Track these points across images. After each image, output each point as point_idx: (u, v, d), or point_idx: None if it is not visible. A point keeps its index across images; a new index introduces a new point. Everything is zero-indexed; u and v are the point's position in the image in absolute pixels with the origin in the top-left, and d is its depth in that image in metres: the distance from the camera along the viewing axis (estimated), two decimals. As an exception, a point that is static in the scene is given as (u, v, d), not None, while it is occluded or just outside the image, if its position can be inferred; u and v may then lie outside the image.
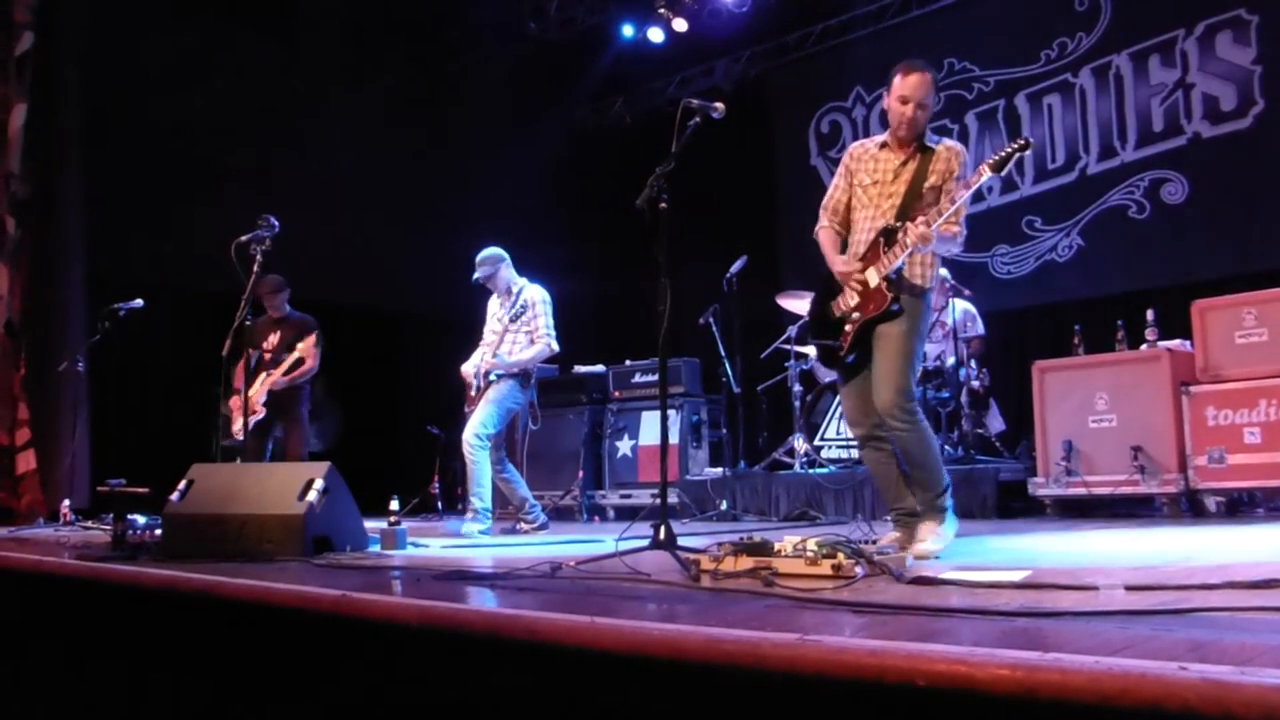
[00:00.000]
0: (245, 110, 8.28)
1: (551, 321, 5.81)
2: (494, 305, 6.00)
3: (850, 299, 3.50)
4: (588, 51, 10.33)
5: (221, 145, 8.11)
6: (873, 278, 3.43)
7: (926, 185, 3.42)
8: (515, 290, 5.86)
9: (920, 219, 3.30)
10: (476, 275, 5.87)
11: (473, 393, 5.78)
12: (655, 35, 9.56)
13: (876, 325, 3.43)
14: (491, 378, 5.69)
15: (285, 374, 6.35)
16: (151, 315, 6.87)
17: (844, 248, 3.64)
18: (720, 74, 9.94)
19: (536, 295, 5.84)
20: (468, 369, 5.87)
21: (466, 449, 5.53)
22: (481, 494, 5.51)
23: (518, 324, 5.76)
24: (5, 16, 7.51)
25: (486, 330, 5.98)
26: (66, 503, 6.53)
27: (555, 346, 5.79)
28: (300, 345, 6.29)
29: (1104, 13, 7.75)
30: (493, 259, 5.87)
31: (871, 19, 9.00)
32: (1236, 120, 7.13)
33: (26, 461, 7.28)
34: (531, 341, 5.75)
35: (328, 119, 8.76)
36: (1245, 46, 7.09)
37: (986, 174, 3.28)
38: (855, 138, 9.09)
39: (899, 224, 3.39)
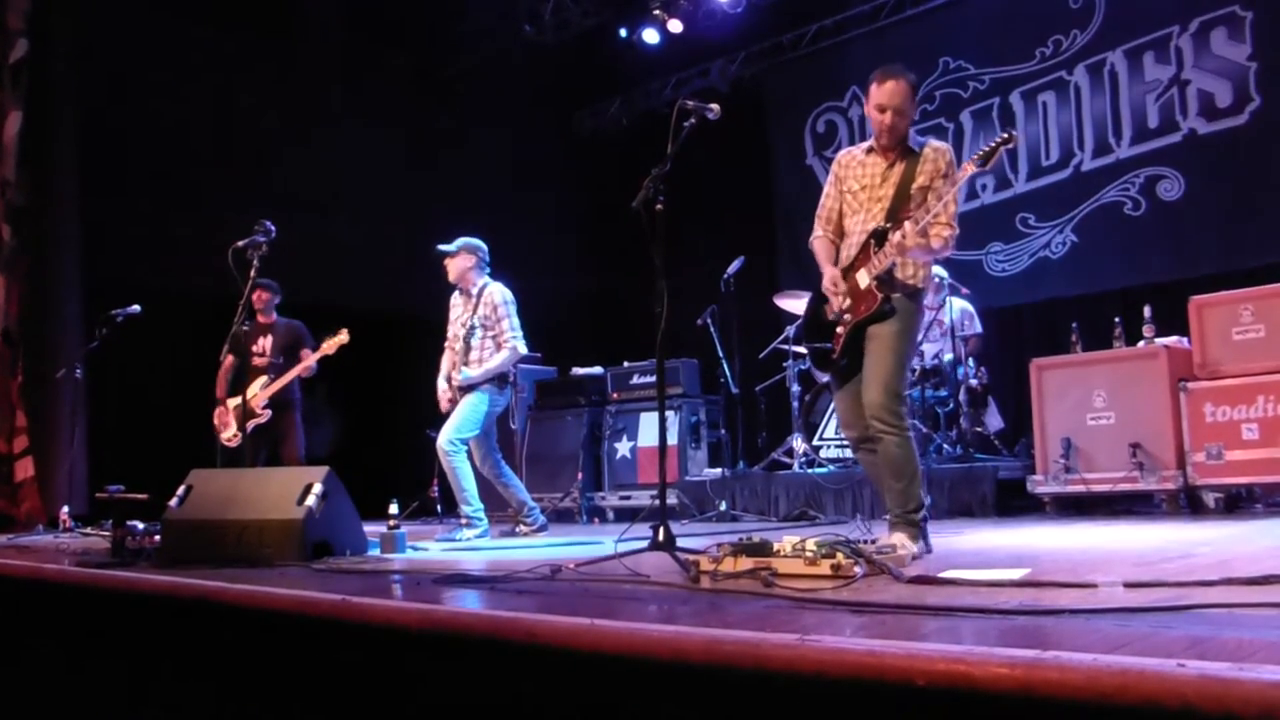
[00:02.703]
0: (242, 114, 8.28)
1: (517, 321, 5.51)
2: (456, 307, 5.69)
3: (843, 301, 3.51)
4: (584, 54, 10.34)
5: (218, 149, 8.11)
6: (863, 279, 3.44)
7: (915, 186, 3.43)
8: (475, 291, 5.55)
9: (907, 221, 3.30)
10: (448, 259, 5.58)
11: (445, 404, 5.56)
12: (650, 37, 9.56)
13: (868, 326, 3.43)
14: (461, 385, 5.43)
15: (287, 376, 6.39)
16: (149, 321, 6.87)
17: (839, 256, 3.64)
18: (716, 75, 9.94)
19: (497, 296, 5.51)
20: (441, 386, 5.59)
21: (441, 456, 5.30)
22: (469, 498, 5.32)
23: (484, 331, 5.49)
24: (-1, 24, 7.52)
25: (450, 331, 5.68)
26: (65, 509, 6.53)
27: (523, 348, 5.54)
28: (327, 344, 6.26)
29: (1098, 10, 7.75)
30: (471, 248, 5.58)
31: (866, 19, 9.00)
32: (1232, 117, 7.13)
33: (25, 469, 7.28)
34: (498, 346, 5.48)
35: (325, 122, 8.76)
36: (1240, 43, 7.10)
37: (971, 169, 3.29)
38: (851, 137, 9.10)
39: (888, 225, 3.39)
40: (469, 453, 5.41)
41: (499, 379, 5.50)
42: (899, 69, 3.48)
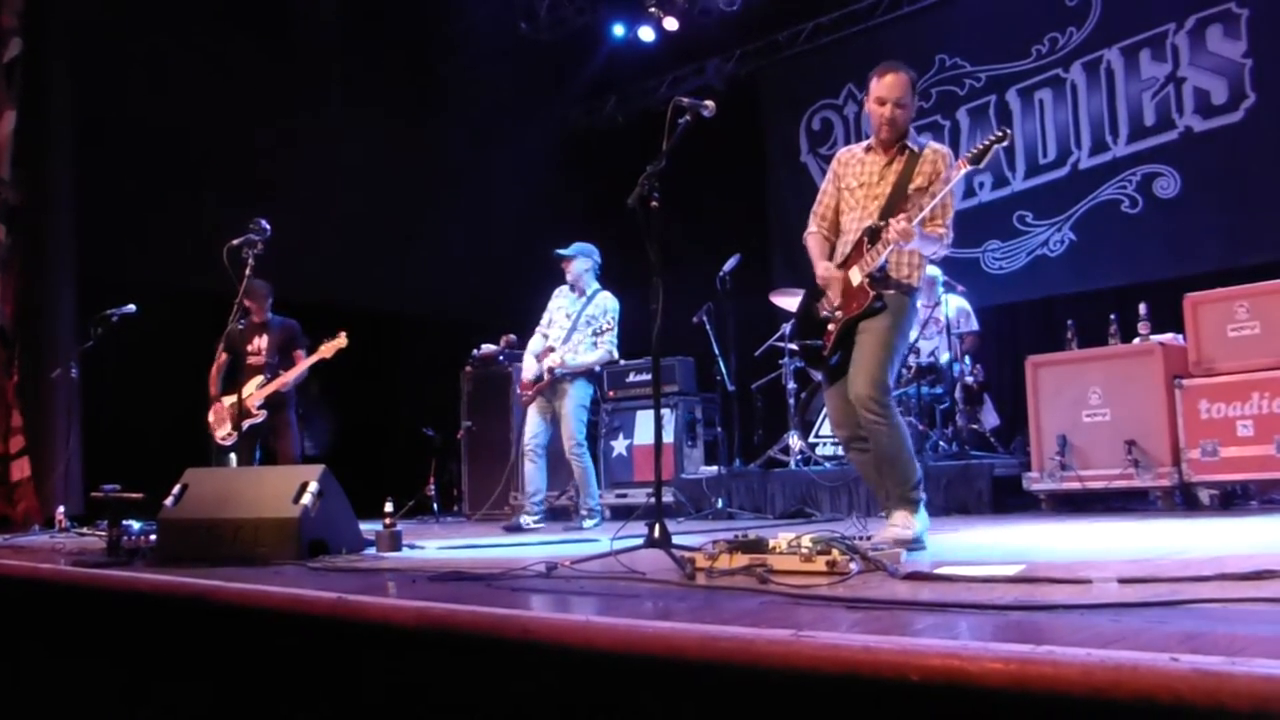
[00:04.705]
0: (237, 113, 8.25)
1: (617, 330, 6.16)
2: (563, 300, 6.26)
3: (834, 298, 3.51)
4: (579, 52, 10.33)
5: (213, 148, 8.09)
6: (855, 276, 3.44)
7: (912, 187, 3.43)
8: (590, 293, 6.17)
9: (901, 215, 3.30)
10: (566, 261, 6.17)
11: (529, 378, 6.11)
12: (646, 34, 9.56)
13: (859, 322, 3.43)
14: (558, 374, 6.01)
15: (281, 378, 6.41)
16: (144, 320, 6.86)
17: (834, 253, 3.65)
18: (712, 73, 9.94)
19: (611, 304, 6.18)
20: (530, 364, 6.16)
21: (571, 460, 5.97)
22: (593, 492, 6.06)
23: (587, 327, 6.08)
24: (-8, 22, 7.48)
25: (553, 324, 6.22)
26: (61, 509, 6.52)
27: (616, 354, 6.19)
28: (324, 348, 6.30)
29: (1094, 7, 7.76)
30: (586, 252, 6.21)
31: (862, 16, 9.01)
32: (1228, 114, 7.14)
33: (21, 469, 7.26)
34: (595, 345, 6.08)
35: (320, 121, 8.75)
36: (1235, 40, 7.11)
37: (965, 168, 3.30)
38: (846, 135, 9.11)
39: (882, 222, 3.39)
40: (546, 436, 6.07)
41: (589, 373, 6.12)
42: (899, 63, 3.49)
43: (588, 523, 5.97)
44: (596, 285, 6.24)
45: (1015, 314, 8.09)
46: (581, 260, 6.18)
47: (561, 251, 6.22)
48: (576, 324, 6.08)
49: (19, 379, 7.35)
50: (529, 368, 6.16)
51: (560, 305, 6.26)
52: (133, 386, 7.45)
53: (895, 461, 3.39)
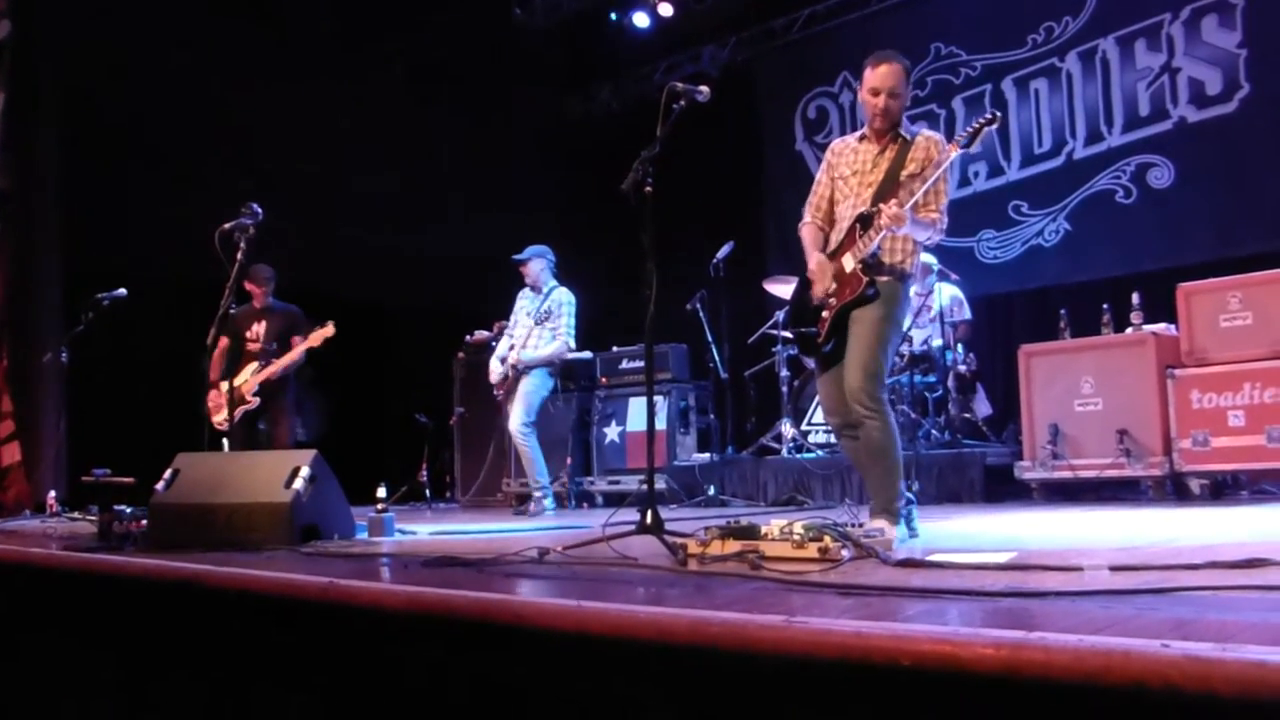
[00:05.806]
0: (229, 98, 8.20)
1: (573, 322, 6.46)
2: (525, 301, 6.62)
3: (827, 285, 3.50)
4: (574, 38, 10.28)
5: (205, 132, 8.03)
6: (848, 263, 3.43)
7: (905, 173, 3.42)
8: (545, 290, 6.50)
9: (893, 200, 3.29)
10: (523, 264, 6.50)
11: (495, 379, 6.50)
12: (641, 21, 9.52)
13: (852, 310, 3.43)
14: (519, 369, 6.37)
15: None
16: (135, 304, 6.82)
17: (828, 242, 3.64)
18: (707, 60, 9.90)
19: (563, 297, 6.50)
20: (495, 365, 6.55)
21: (516, 439, 6.30)
22: (539, 474, 6.27)
23: (544, 323, 6.42)
24: (-18, 5, 7.42)
25: (517, 325, 6.59)
26: (52, 494, 6.50)
27: (572, 345, 6.51)
28: (312, 336, 6.28)
29: (1090, -3, 7.76)
30: (540, 253, 6.55)
31: (858, 3, 8.98)
32: (1222, 104, 7.14)
33: (11, 454, 7.23)
34: (554, 338, 6.42)
35: (312, 108, 8.69)
36: (1231, 30, 7.10)
37: (956, 150, 3.29)
38: (842, 123, 9.09)
39: (874, 208, 3.38)
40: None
41: (550, 365, 6.45)
42: (892, 53, 3.48)
43: (546, 502, 6.24)
44: (554, 283, 6.56)
45: (1009, 303, 8.09)
46: (536, 261, 6.51)
47: (517, 256, 6.55)
48: (535, 320, 6.45)
49: (8, 364, 7.32)
50: (495, 370, 6.56)
51: (522, 306, 6.64)
52: (123, 371, 7.42)
53: (882, 461, 3.35)
